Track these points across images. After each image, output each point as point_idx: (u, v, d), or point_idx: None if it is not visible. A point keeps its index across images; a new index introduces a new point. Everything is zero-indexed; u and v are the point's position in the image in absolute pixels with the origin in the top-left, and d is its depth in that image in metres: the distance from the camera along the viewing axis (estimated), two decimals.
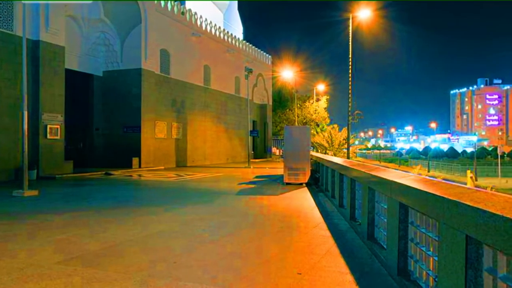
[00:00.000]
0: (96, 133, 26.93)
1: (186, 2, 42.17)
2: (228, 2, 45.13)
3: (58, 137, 20.82)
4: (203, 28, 33.87)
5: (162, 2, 28.37)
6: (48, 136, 20.13)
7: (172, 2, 29.60)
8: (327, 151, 37.99)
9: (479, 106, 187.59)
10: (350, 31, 26.64)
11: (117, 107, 26.46)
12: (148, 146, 26.72)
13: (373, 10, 27.31)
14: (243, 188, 15.87)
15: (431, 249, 4.01)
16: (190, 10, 32.37)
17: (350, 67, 26.77)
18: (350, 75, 26.98)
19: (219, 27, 37.07)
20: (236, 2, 47.94)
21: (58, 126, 20.79)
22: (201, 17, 33.72)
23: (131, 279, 4.81)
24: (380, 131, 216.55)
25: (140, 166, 25.52)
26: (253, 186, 16.69)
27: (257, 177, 20.95)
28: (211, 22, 35.51)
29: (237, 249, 6.54)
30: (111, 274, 5.00)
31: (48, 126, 20.14)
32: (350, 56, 26.65)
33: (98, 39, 26.08)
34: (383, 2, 33.48)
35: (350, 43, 26.60)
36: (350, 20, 26.65)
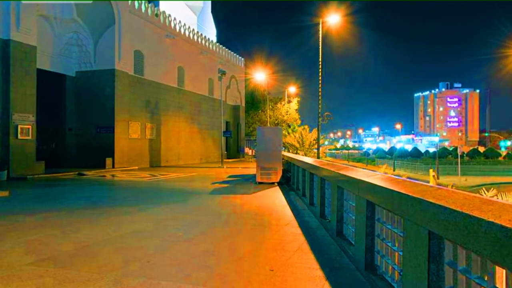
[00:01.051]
0: (69, 133, 26.23)
1: (160, 4, 41.72)
2: (201, 5, 44.83)
3: (30, 137, 20.16)
4: (177, 30, 33.54)
5: (136, 4, 27.92)
6: (19, 136, 19.47)
7: (146, 4, 29.17)
8: (298, 151, 38.24)
9: (441, 109, 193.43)
10: (320, 35, 26.96)
11: (90, 107, 25.86)
12: (122, 147, 26.23)
13: (342, 16, 27.70)
14: (216, 187, 15.80)
15: (397, 245, 4.10)
16: (164, 12, 31.99)
17: (320, 70, 27.08)
18: (320, 78, 27.28)
19: (193, 30, 36.80)
20: (210, 5, 47.69)
21: (30, 126, 20.13)
22: (175, 19, 33.38)
23: (104, 279, 4.70)
24: (348, 132, 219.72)
25: (113, 167, 25.01)
26: (226, 185, 16.64)
27: (230, 176, 20.90)
28: (185, 24, 35.20)
29: (210, 247, 6.50)
30: (84, 274, 4.88)
31: (19, 126, 19.48)
32: (320, 59, 26.96)
33: (71, 39, 25.42)
34: (351, 8, 34.05)
35: (320, 47, 26.91)
36: (320, 25, 26.96)
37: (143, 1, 28.83)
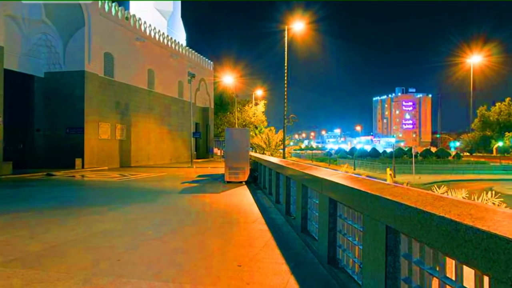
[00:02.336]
0: (37, 134, 25.23)
1: (130, 7, 40.83)
2: (171, 9, 44.22)
3: None
4: (147, 33, 32.96)
5: (106, 7, 27.22)
6: None
7: (117, 7, 28.48)
8: (265, 152, 38.40)
9: (397, 112, 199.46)
10: (286, 41, 27.22)
11: (60, 108, 24.99)
12: (92, 147, 25.48)
13: (306, 23, 28.12)
14: (186, 187, 15.62)
15: (357, 239, 4.18)
16: (134, 15, 31.36)
17: (285, 74, 27.32)
18: (285, 82, 27.53)
19: (163, 33, 36.27)
20: (180, 9, 47.12)
21: None
22: (145, 22, 32.78)
23: (73, 278, 4.55)
24: (312, 133, 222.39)
25: (83, 167, 24.27)
26: (195, 185, 16.48)
27: (199, 176, 20.72)
28: (155, 28, 34.63)
29: (180, 245, 6.42)
30: (53, 274, 4.71)
31: None
32: (285, 64, 27.22)
33: (40, 40, 24.48)
34: (315, 16, 34.55)
35: (286, 52, 27.17)
36: (286, 32, 27.23)
37: (113, 4, 28.15)
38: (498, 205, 10.37)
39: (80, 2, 24.45)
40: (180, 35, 46.55)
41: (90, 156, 25.22)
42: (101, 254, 5.67)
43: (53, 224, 7.95)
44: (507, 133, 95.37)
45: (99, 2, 26.39)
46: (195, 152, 39.63)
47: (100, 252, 5.83)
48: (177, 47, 38.55)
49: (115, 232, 7.35)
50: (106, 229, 7.56)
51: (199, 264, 5.27)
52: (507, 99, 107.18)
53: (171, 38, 37.90)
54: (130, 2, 42.35)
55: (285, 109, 28.06)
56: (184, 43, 45.92)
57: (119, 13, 28.83)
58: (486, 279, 1.97)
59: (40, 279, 4.51)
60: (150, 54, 33.12)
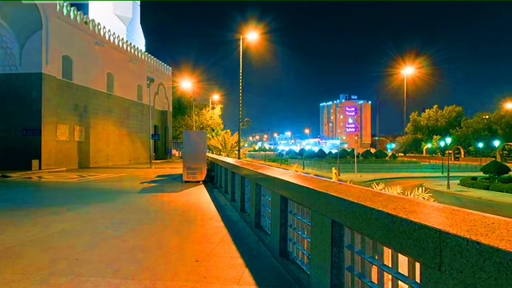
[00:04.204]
0: None
1: (90, 12, 39.17)
2: (131, 15, 42.90)
3: None
4: (107, 38, 31.74)
5: (65, 11, 25.89)
6: None
7: (75, 11, 27.18)
8: (221, 153, 38.22)
9: (341, 116, 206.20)
10: (241, 49, 27.30)
11: (16, 110, 23.42)
12: (49, 149, 24.11)
13: (260, 33, 28.34)
14: (145, 186, 15.19)
15: (306, 233, 4.26)
16: (93, 20, 30.07)
17: (240, 80, 27.39)
18: (240, 88, 27.61)
19: (122, 38, 35.07)
20: (139, 16, 45.82)
21: None
22: (104, 27, 31.54)
23: (29, 279, 4.28)
24: (265, 136, 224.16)
25: (40, 168, 22.88)
26: (154, 184, 16.07)
27: (158, 176, 20.22)
28: (114, 33, 33.42)
29: (139, 243, 6.22)
30: (8, 276, 4.40)
31: None
32: (240, 71, 27.29)
33: None
34: (268, 28, 34.98)
35: (241, 60, 27.24)
36: (241, 41, 27.32)
37: (72, 8, 26.84)
38: (427, 199, 11.00)
39: (37, 3, 23.08)
40: (139, 41, 45.31)
41: (47, 158, 23.84)
42: (59, 254, 5.37)
43: (8, 225, 7.43)
44: (434, 136, 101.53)
45: (58, 6, 25.06)
46: (154, 153, 38.67)
47: (58, 252, 5.52)
48: (136, 52, 37.46)
49: (74, 231, 7.00)
50: (64, 229, 7.17)
51: (158, 260, 5.14)
52: (435, 106, 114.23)
53: (130, 44, 36.76)
54: (90, 7, 40.64)
55: (240, 113, 28.13)
56: (143, 49, 44.72)
57: (78, 17, 27.52)
58: (417, 265, 2.08)
59: None
60: (109, 58, 31.92)
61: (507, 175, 36.83)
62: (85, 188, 15.18)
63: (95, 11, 40.08)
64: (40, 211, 9.28)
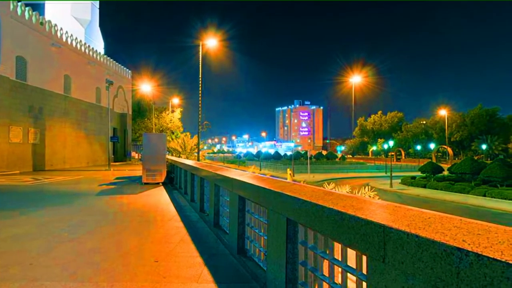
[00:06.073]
0: None
1: (46, 13, 37.04)
2: (89, 18, 41.05)
3: None
4: (64, 39, 30.11)
5: (19, 11, 24.27)
6: None
7: (30, 11, 25.56)
8: (181, 155, 37.52)
9: (295, 120, 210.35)
10: (200, 55, 27.05)
11: None
12: (1, 151, 22.43)
13: (219, 40, 28.23)
14: (103, 189, 14.55)
15: (262, 231, 4.29)
16: (50, 21, 28.42)
17: (200, 85, 27.11)
18: (200, 92, 27.31)
19: (80, 41, 33.43)
20: (98, 19, 43.95)
21: None
22: (61, 29, 29.90)
23: None
24: (224, 138, 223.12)
25: None
26: (113, 186, 15.44)
27: (117, 178, 19.46)
28: (71, 35, 31.77)
29: (97, 245, 5.94)
30: None
31: None
32: (200, 76, 27.01)
33: None
34: (226, 35, 34.94)
35: (200, 65, 26.98)
36: (200, 47, 27.07)
37: (27, 8, 25.21)
38: (373, 197, 11.49)
39: None
40: (98, 43, 43.47)
41: None
42: (11, 259, 5.00)
43: None
44: (379, 139, 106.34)
45: (11, 5, 23.45)
46: (113, 156, 37.19)
47: (10, 257, 5.13)
48: (94, 55, 35.87)
49: (28, 235, 6.55)
50: (17, 233, 6.69)
51: (117, 262, 4.94)
52: (379, 112, 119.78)
53: (89, 46, 35.13)
54: (46, 8, 38.41)
55: (200, 116, 27.83)
56: (103, 51, 42.96)
57: (34, 18, 25.90)
58: (364, 258, 2.16)
59: None
60: (66, 60, 30.30)
61: (441, 174, 39.36)
62: (40, 191, 14.25)
63: (52, 12, 37.94)
64: None
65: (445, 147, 79.54)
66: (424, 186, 37.22)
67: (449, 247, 1.47)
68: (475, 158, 54.05)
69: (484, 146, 78.08)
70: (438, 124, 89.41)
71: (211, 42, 27.65)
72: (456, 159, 75.51)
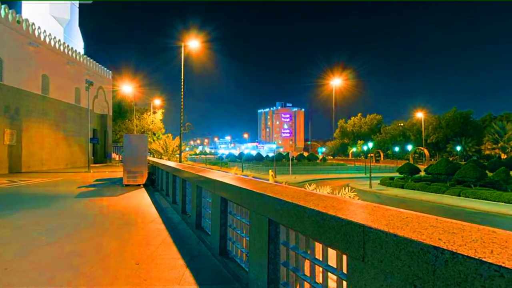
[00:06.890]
0: None
1: (23, 11, 35.98)
2: (68, 17, 40.10)
3: None
4: (42, 38, 29.31)
5: None
6: None
7: (7, 9, 24.78)
8: (163, 156, 37.08)
9: (277, 122, 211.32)
10: (182, 56, 26.84)
11: None
12: None
13: (201, 42, 28.10)
14: (82, 191, 14.21)
15: (244, 232, 4.29)
16: (27, 20, 27.62)
17: (182, 86, 26.90)
18: (182, 93, 27.10)
19: (59, 40, 32.61)
20: (77, 18, 42.98)
21: None
22: (39, 28, 29.10)
23: None
24: (206, 140, 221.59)
25: None
26: (93, 189, 15.11)
27: (97, 180, 19.05)
28: (50, 34, 30.96)
29: (76, 248, 5.79)
30: None
31: None
32: (182, 77, 26.79)
33: None
34: (208, 37, 34.79)
35: (182, 66, 26.77)
36: (182, 48, 26.87)
37: (2, 6, 24.42)
38: (353, 198, 11.64)
39: None
40: (78, 43, 42.49)
41: None
42: None
43: None
44: (359, 141, 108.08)
45: None
46: (92, 157, 36.40)
47: None
48: (74, 55, 35.06)
49: (2, 239, 6.32)
50: None
51: (96, 265, 4.84)
52: (359, 114, 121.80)
53: (68, 46, 34.31)
54: (24, 6, 37.31)
55: (182, 117, 27.61)
56: (82, 51, 42.01)
57: (10, 16, 25.11)
58: (344, 258, 2.18)
59: None
60: (44, 59, 29.49)
61: (418, 175, 40.31)
62: (16, 194, 13.79)
63: (30, 11, 36.87)
64: None
65: (422, 148, 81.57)
66: (402, 187, 38.03)
67: (426, 246, 1.51)
68: (450, 159, 55.68)
69: (458, 148, 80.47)
70: (415, 126, 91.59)
71: (193, 44, 27.51)
72: (432, 160, 77.59)
